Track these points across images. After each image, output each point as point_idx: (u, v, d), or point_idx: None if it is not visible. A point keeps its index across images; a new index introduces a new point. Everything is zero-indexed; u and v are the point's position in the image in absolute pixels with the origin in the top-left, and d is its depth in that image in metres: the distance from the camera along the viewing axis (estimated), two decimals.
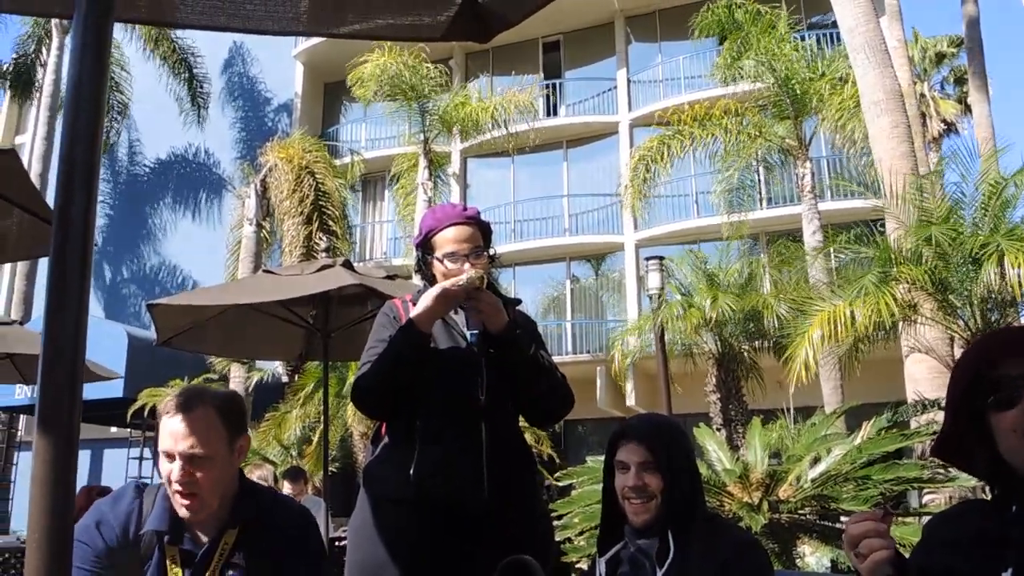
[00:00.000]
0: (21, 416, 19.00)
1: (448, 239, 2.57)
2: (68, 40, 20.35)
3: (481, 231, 2.63)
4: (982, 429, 1.50)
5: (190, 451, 1.98)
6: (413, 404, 2.47)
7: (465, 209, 2.65)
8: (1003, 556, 1.41)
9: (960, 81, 27.09)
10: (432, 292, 2.43)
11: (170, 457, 2.00)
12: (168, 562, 2.02)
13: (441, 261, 2.57)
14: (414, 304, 2.61)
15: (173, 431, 2.00)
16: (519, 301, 2.77)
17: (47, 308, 1.23)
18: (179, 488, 1.99)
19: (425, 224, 2.66)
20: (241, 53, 25.16)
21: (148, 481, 2.28)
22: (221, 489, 2.05)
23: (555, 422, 2.94)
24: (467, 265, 2.54)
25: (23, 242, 3.73)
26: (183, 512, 2.01)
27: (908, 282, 8.52)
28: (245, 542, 2.06)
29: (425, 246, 2.63)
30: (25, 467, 18.19)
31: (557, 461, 14.65)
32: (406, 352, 2.43)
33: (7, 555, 6.85)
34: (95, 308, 23.13)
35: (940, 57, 28.46)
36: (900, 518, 6.49)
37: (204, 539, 2.05)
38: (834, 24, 13.90)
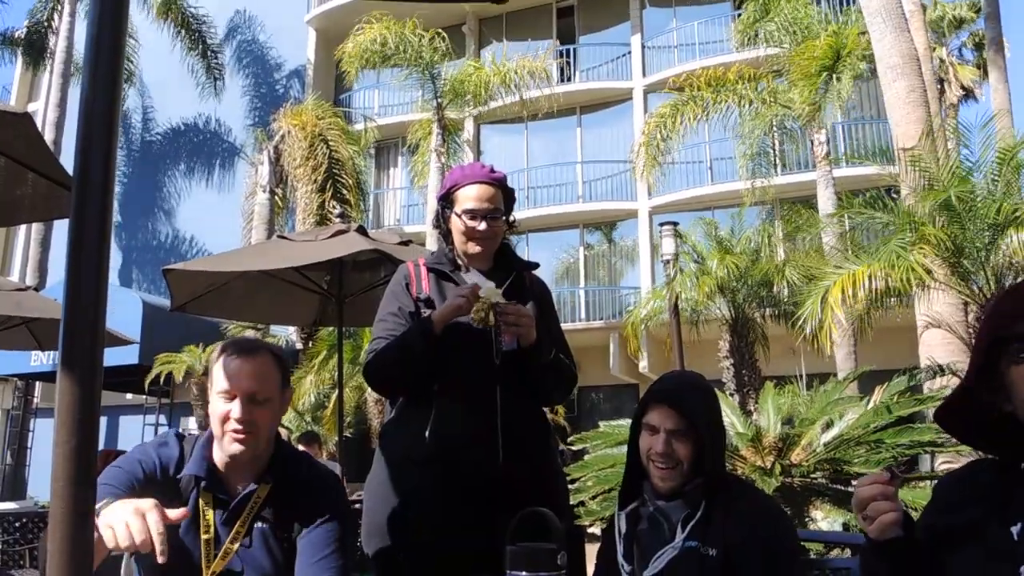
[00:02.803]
0: (37, 383, 19.17)
1: (470, 195, 2.59)
2: (80, 7, 20.30)
3: (504, 195, 2.65)
4: (993, 389, 1.51)
5: (253, 390, 2.06)
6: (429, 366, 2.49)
7: (493, 171, 2.66)
8: (1013, 513, 1.42)
9: (979, 46, 26.69)
10: (449, 305, 2.45)
11: (230, 396, 2.06)
12: (203, 504, 2.08)
13: (460, 216, 2.59)
14: (427, 268, 2.64)
15: (237, 371, 2.07)
16: (536, 265, 2.78)
17: (68, 269, 1.24)
18: (238, 426, 2.04)
19: (451, 178, 2.68)
20: (253, 19, 25.05)
21: None
22: (271, 434, 2.13)
23: (554, 405, 2.98)
24: (484, 225, 2.56)
25: (39, 205, 3.75)
26: (234, 448, 2.06)
27: (932, 245, 8.46)
28: (276, 498, 2.11)
29: (446, 199, 2.65)
30: (42, 433, 18.38)
31: (569, 429, 14.72)
32: (419, 350, 2.45)
33: (25, 520, 6.92)
34: (110, 275, 23.20)
35: (959, 22, 28.04)
36: (913, 482, 6.51)
37: (238, 490, 2.10)
38: None
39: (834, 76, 13.94)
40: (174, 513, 1.73)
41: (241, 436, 2.05)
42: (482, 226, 2.57)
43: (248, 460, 2.10)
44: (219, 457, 2.11)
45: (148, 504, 1.70)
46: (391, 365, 2.52)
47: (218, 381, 2.08)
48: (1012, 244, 8.03)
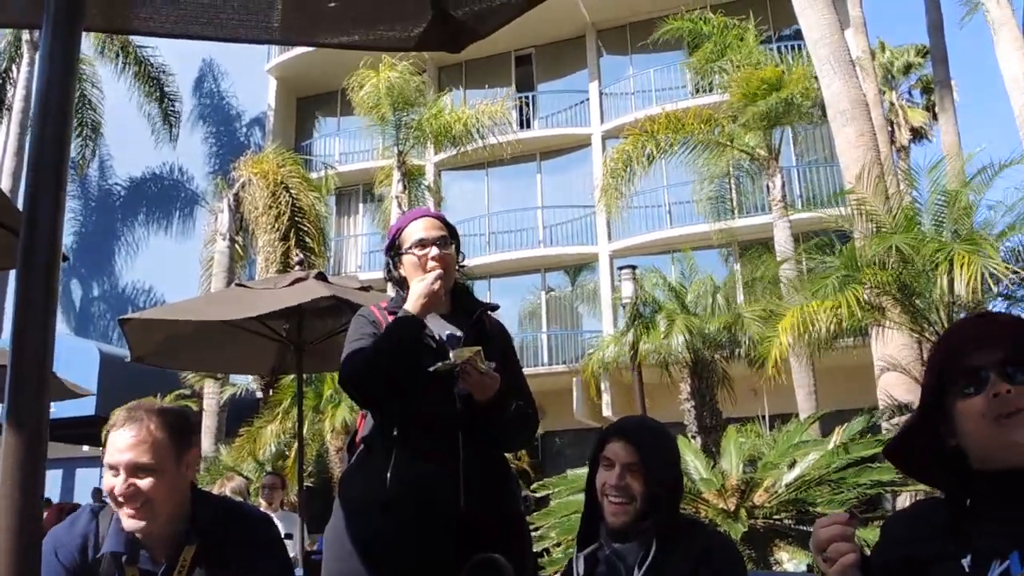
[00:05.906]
0: None
1: (416, 228, 2.63)
2: (39, 58, 20.16)
3: (448, 230, 2.67)
4: (940, 426, 1.52)
5: (134, 461, 1.95)
6: (390, 413, 2.47)
7: (431, 211, 2.72)
8: (959, 548, 1.43)
9: (928, 90, 27.38)
10: (417, 289, 2.45)
11: (114, 470, 1.97)
12: None
13: (411, 251, 2.60)
14: (390, 312, 2.61)
15: (117, 443, 1.97)
16: (496, 307, 2.77)
17: (15, 314, 1.22)
18: (122, 500, 1.95)
19: (394, 227, 2.72)
20: (213, 68, 25.03)
21: None
22: (171, 502, 2.00)
23: (516, 450, 2.96)
24: (435, 250, 2.57)
25: None
26: (129, 524, 1.97)
27: (873, 285, 8.58)
28: (204, 557, 2.03)
29: (394, 247, 2.67)
30: None
31: (532, 475, 14.63)
32: (403, 341, 2.43)
33: None
34: (65, 327, 22.84)
35: (908, 67, 28.78)
36: (876, 522, 6.53)
37: (163, 558, 2.02)
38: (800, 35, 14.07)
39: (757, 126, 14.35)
40: None
41: (130, 511, 1.95)
42: (433, 251, 2.57)
43: (160, 523, 2.01)
44: None
45: None
46: (372, 365, 2.44)
47: (106, 454, 1.99)
48: (940, 285, 8.10)
